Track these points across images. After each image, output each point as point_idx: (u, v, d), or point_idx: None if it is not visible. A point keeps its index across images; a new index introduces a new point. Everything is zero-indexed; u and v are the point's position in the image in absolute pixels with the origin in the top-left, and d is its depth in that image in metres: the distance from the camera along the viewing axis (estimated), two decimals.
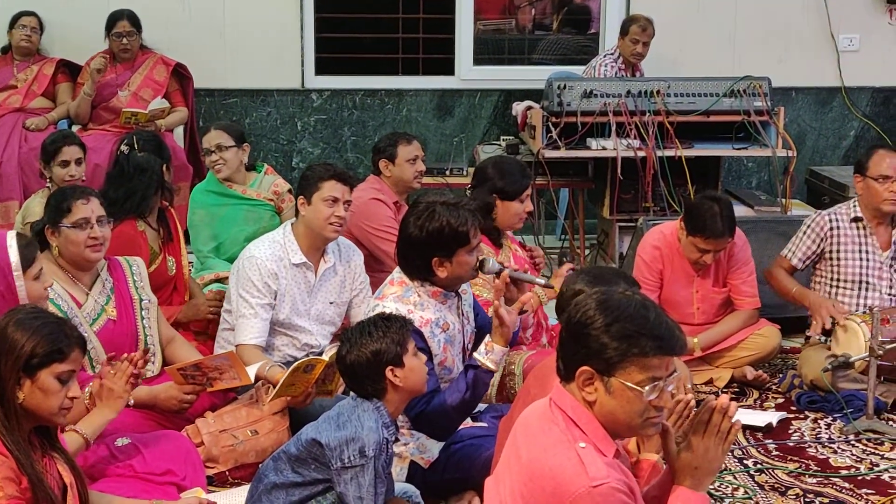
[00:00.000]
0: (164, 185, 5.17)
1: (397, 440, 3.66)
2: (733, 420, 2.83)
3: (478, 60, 8.44)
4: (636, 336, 2.65)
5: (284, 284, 4.67)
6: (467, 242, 3.96)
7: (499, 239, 5.09)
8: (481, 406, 4.36)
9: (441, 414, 3.84)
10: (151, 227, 5.12)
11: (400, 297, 4.01)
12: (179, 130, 7.44)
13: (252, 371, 4.35)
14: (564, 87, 6.50)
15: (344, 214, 4.65)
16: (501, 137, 7.38)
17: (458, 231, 3.93)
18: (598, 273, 3.62)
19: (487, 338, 3.88)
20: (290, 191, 5.83)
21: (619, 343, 2.65)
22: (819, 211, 5.65)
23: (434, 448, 4.02)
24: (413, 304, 3.99)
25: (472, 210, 4.03)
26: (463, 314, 4.14)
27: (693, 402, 3.33)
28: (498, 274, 4.07)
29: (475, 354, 3.88)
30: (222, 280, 5.43)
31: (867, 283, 5.38)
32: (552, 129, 6.43)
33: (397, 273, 4.11)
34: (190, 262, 5.39)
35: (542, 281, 4.36)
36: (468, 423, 4.20)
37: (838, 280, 5.44)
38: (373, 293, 4.59)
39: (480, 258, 4.10)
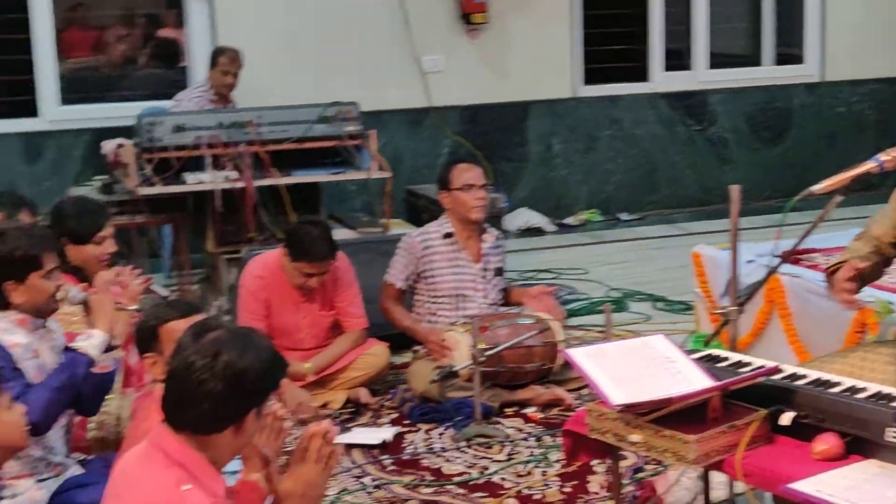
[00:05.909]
0: None
1: None
2: (335, 443, 2.84)
3: (67, 100, 8.14)
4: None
5: None
6: (39, 267, 3.77)
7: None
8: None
9: (43, 394, 3.63)
10: None
11: None
12: None
13: None
14: (155, 122, 6.35)
15: None
16: (95, 177, 7.11)
17: (29, 254, 3.74)
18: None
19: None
20: None
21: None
22: (410, 232, 5.81)
23: (39, 495, 3.78)
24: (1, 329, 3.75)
25: (49, 236, 3.89)
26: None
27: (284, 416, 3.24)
28: (83, 303, 3.94)
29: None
30: None
31: (464, 295, 5.59)
32: (146, 165, 6.27)
33: None
34: None
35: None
36: (78, 470, 3.98)
37: (436, 296, 5.61)
38: None
39: (64, 288, 3.92)
